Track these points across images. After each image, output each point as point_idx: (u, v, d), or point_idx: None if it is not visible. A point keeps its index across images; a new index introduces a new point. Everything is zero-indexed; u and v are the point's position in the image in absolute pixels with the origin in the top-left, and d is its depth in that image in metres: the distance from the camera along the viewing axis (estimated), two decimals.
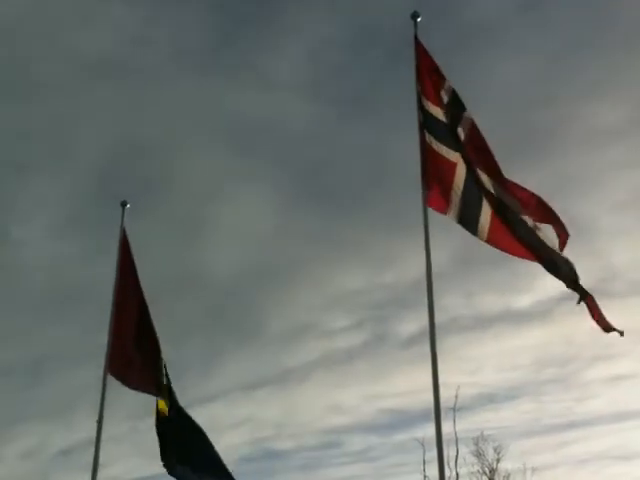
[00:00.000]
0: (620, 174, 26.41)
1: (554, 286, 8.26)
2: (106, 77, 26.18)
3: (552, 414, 26.50)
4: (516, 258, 8.51)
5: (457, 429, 19.78)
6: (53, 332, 26.98)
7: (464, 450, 20.47)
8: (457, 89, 8.84)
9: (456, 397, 18.89)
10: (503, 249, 8.50)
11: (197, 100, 26.59)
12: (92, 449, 9.43)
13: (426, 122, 8.84)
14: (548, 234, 8.34)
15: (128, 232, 10.45)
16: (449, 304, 22.86)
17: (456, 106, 8.80)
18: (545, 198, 8.51)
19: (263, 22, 26.68)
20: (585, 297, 8.02)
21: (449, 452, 18.54)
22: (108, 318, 10.06)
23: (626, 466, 25.55)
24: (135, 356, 9.91)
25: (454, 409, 18.66)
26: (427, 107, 8.85)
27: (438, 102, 8.87)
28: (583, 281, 8.02)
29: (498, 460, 21.04)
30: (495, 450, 21.12)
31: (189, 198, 27.89)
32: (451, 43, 22.95)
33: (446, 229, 8.71)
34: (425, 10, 9.15)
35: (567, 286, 8.10)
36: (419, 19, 9.16)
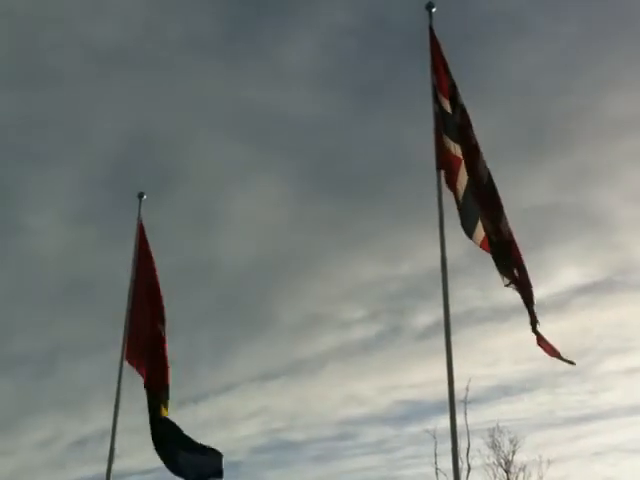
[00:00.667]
0: (638, 165, 26.28)
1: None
2: (121, 66, 26.20)
3: (567, 406, 26.42)
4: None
5: (472, 421, 19.73)
6: (68, 322, 27.10)
7: (479, 442, 20.47)
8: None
9: (467, 389, 18.82)
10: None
11: (212, 90, 26.56)
12: (107, 440, 9.46)
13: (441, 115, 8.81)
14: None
15: (142, 221, 10.46)
16: (465, 296, 22.78)
17: (456, 98, 8.80)
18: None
19: (277, 11, 26.63)
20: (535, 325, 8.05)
21: (461, 444, 18.51)
22: (124, 307, 10.08)
23: None
24: (146, 350, 9.94)
25: (465, 401, 18.61)
26: (440, 100, 8.81)
27: (447, 95, 8.86)
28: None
29: (514, 452, 21.01)
30: (511, 442, 21.09)
31: (203, 188, 27.92)
32: (467, 32, 22.87)
33: None
34: None
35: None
36: (434, 9, 9.12)
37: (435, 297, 8.42)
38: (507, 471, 20.84)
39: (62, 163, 27.00)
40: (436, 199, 8.50)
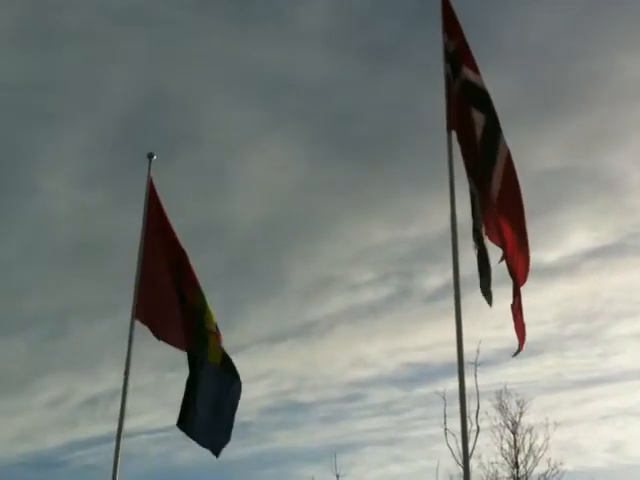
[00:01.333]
0: None
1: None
2: (135, 25, 26.05)
3: (576, 370, 26.55)
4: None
5: (481, 383, 19.87)
6: (80, 283, 27.27)
7: (487, 404, 20.59)
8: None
9: (477, 352, 18.88)
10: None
11: (225, 51, 26.43)
12: (118, 399, 9.51)
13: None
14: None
15: (154, 183, 10.44)
16: (475, 258, 22.73)
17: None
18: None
19: None
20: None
21: (470, 406, 18.60)
22: (135, 269, 10.08)
23: None
24: (164, 306, 9.93)
25: (475, 363, 18.68)
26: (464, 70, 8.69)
27: (475, 67, 8.74)
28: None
29: (521, 414, 21.12)
30: (518, 404, 21.20)
31: (215, 150, 27.90)
32: None
33: None
34: None
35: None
36: None
37: (444, 260, 8.43)
38: (514, 433, 20.98)
39: (74, 124, 26.98)
40: (447, 160, 8.46)
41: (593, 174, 27.67)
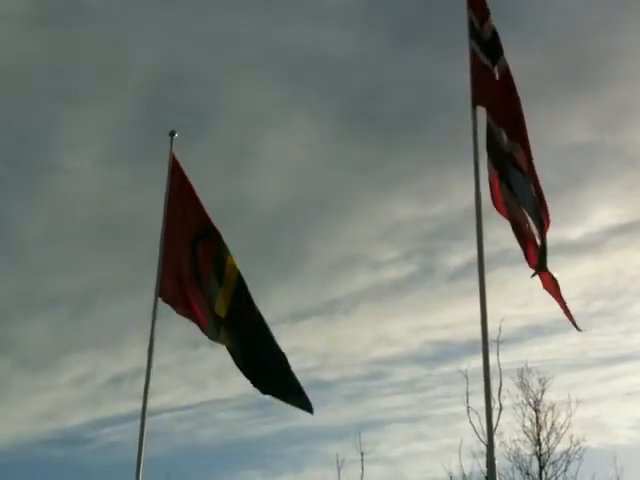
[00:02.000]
0: None
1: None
2: (156, 5, 25.99)
3: (600, 347, 26.36)
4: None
5: (504, 361, 19.79)
6: (103, 262, 27.45)
7: (509, 382, 20.53)
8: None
9: (499, 330, 18.79)
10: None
11: (246, 27, 26.28)
12: (142, 377, 9.54)
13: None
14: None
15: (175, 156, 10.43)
16: (499, 236, 22.56)
17: (494, 46, 8.55)
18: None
19: None
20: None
21: (493, 384, 18.56)
22: (158, 247, 10.09)
23: None
24: (185, 282, 9.93)
25: (497, 341, 18.60)
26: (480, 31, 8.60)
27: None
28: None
29: (543, 392, 21.05)
30: (540, 382, 21.13)
31: (236, 127, 27.85)
32: None
33: None
34: None
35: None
36: None
37: (468, 238, 8.39)
38: (536, 410, 20.94)
39: (97, 104, 27.04)
40: (471, 138, 8.38)
41: (618, 150, 27.35)
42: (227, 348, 9.59)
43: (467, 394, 19.41)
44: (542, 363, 22.35)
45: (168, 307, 9.83)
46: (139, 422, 9.27)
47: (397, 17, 26.50)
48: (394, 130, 27.97)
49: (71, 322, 28.61)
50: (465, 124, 8.47)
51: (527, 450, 20.55)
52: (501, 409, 19.37)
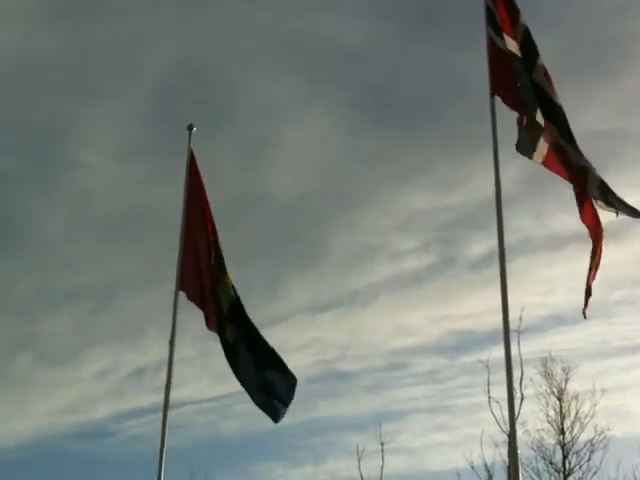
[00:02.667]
0: None
1: (633, 205, 8.02)
2: None
3: (622, 336, 26.12)
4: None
5: (526, 351, 19.70)
6: (123, 256, 27.55)
7: (531, 372, 20.45)
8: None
9: (521, 319, 18.70)
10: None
11: (261, 20, 26.22)
12: (163, 370, 9.58)
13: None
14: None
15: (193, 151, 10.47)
16: (520, 225, 22.50)
17: (530, 49, 8.45)
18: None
19: None
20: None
21: (514, 373, 18.48)
22: (177, 240, 10.12)
23: None
24: (202, 278, 9.98)
25: (518, 331, 18.51)
26: (503, 37, 8.50)
27: (513, 34, 8.52)
28: None
29: (566, 381, 20.97)
30: (563, 371, 21.05)
31: (253, 121, 27.79)
32: None
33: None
34: None
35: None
36: None
37: (488, 227, 8.32)
38: (560, 399, 20.86)
39: (112, 97, 27.05)
40: (490, 126, 8.33)
41: None
42: (226, 342, 9.67)
43: (488, 384, 19.38)
44: (565, 352, 22.23)
45: (188, 300, 9.88)
46: (161, 415, 9.34)
47: (412, 5, 26.33)
48: (411, 119, 27.87)
49: (92, 316, 28.75)
50: (482, 112, 8.42)
51: (551, 439, 20.51)
52: (522, 399, 19.30)
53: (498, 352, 7.56)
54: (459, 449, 20.77)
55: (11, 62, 25.40)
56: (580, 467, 20.07)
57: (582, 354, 23.92)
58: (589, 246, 7.96)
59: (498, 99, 8.42)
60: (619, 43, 25.29)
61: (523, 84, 8.31)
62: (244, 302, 9.83)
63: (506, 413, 7.56)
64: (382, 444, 21.08)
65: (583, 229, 8.05)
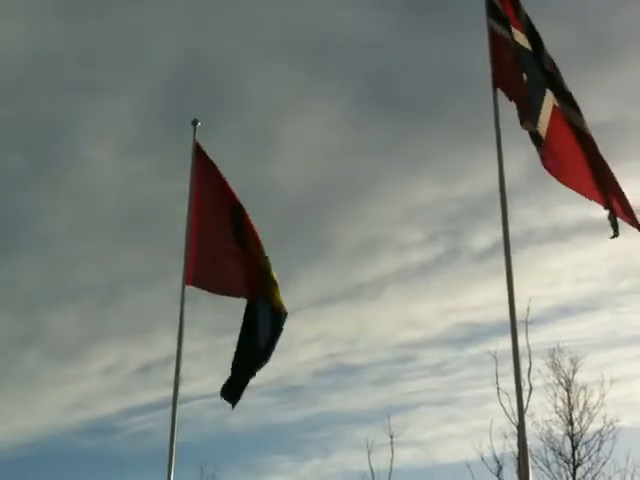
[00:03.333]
0: None
1: (633, 196, 8.01)
2: None
3: (630, 326, 26.07)
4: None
5: (533, 342, 19.73)
6: (130, 252, 27.60)
7: (539, 363, 20.44)
8: None
9: (528, 310, 18.71)
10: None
11: (265, 13, 26.20)
12: (170, 366, 9.59)
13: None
14: None
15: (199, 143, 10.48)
16: (525, 216, 22.43)
17: (535, 38, 8.42)
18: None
19: None
20: None
21: (522, 364, 18.47)
22: (184, 235, 10.11)
23: None
24: (221, 263, 9.99)
25: (526, 322, 18.51)
26: (510, 30, 8.47)
27: (519, 25, 8.49)
28: None
29: (574, 371, 20.95)
30: (571, 361, 21.02)
31: (256, 114, 27.79)
32: None
33: (520, 139, 8.44)
34: None
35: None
36: None
37: (493, 218, 8.32)
38: (568, 390, 20.84)
39: (118, 93, 27.09)
40: (493, 118, 8.32)
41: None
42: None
43: (496, 375, 19.40)
44: (572, 343, 22.23)
45: (196, 295, 9.87)
46: (169, 410, 9.33)
47: None
48: (416, 111, 27.85)
49: (99, 312, 28.83)
50: (488, 103, 8.40)
51: (559, 430, 20.50)
52: (531, 390, 19.34)
53: (505, 343, 7.57)
54: (468, 441, 20.85)
55: (16, 59, 25.48)
56: (589, 458, 20.06)
57: (590, 344, 23.90)
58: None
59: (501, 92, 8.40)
60: (621, 33, 25.23)
61: (531, 75, 8.28)
62: None
63: (515, 404, 7.59)
64: (391, 437, 21.18)
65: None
